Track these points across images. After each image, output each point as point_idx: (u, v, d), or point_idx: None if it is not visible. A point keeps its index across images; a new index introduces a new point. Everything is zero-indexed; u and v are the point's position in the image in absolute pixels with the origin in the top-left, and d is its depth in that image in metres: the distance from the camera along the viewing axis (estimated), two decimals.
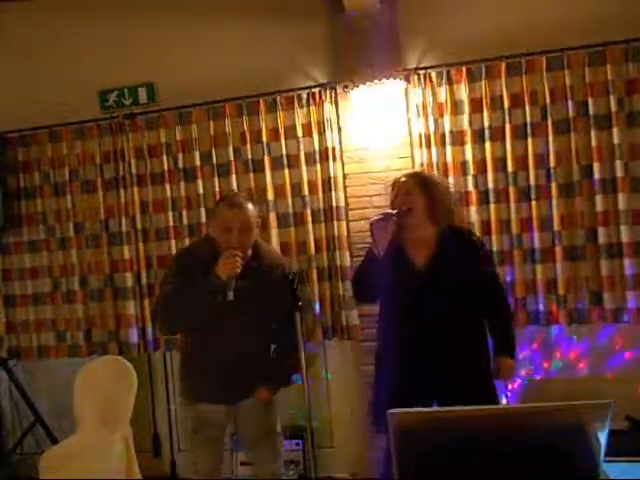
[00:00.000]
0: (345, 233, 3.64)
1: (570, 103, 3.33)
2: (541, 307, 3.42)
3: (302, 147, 3.67)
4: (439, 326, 2.52)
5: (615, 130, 3.27)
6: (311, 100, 3.65)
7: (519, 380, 3.57)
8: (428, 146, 3.50)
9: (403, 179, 2.73)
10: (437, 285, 2.55)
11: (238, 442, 2.90)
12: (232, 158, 3.77)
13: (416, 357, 2.53)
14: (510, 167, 3.41)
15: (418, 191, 2.65)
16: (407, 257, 2.63)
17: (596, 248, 3.34)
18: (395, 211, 2.61)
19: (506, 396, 3.44)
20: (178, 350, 3.10)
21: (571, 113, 3.33)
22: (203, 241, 2.84)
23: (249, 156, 3.75)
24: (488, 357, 2.67)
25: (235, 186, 3.74)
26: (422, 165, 3.48)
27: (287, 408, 3.18)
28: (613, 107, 3.27)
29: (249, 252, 2.66)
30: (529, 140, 3.38)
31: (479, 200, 3.46)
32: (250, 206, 2.64)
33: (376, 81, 3.50)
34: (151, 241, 3.92)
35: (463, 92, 3.46)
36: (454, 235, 2.67)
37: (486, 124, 3.43)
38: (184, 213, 3.85)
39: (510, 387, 3.52)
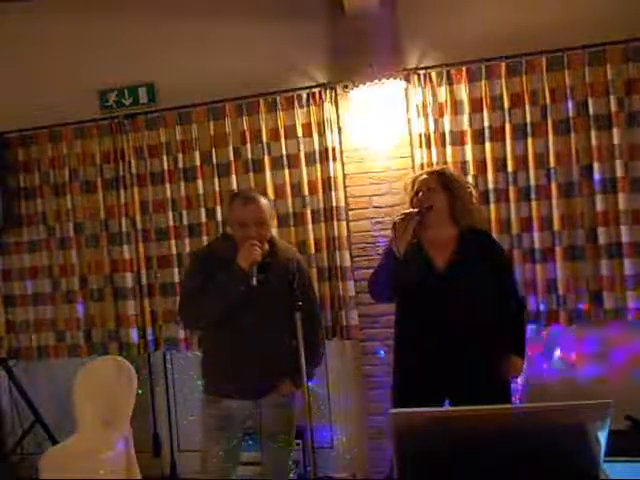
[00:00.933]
0: (345, 233, 3.64)
1: (570, 103, 3.33)
2: (541, 307, 3.42)
3: (302, 147, 3.67)
4: (456, 327, 2.51)
5: (615, 130, 3.27)
6: (311, 100, 3.65)
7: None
8: (428, 146, 3.50)
9: (424, 176, 2.72)
10: (456, 287, 2.54)
11: (254, 437, 2.88)
12: (232, 158, 3.77)
13: (433, 356, 2.53)
14: (510, 167, 3.41)
15: (440, 189, 2.65)
16: (427, 257, 2.62)
17: (596, 248, 3.34)
18: (417, 210, 2.60)
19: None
20: (199, 348, 3.07)
21: (571, 113, 3.33)
22: (221, 240, 2.85)
23: (249, 156, 3.75)
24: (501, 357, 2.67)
25: (235, 186, 3.74)
26: (421, 163, 3.48)
27: None
28: (613, 107, 3.27)
29: (266, 247, 2.67)
30: (529, 140, 3.38)
31: (479, 200, 3.45)
32: (264, 200, 2.69)
33: (376, 81, 3.50)
34: (151, 241, 3.92)
35: (463, 92, 3.46)
36: (474, 237, 2.67)
37: (486, 124, 3.43)
38: (184, 213, 3.85)
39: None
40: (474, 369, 2.53)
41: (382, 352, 3.57)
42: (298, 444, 3.63)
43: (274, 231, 3.66)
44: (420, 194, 2.66)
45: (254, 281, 2.51)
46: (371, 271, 2.85)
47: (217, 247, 2.79)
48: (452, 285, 2.55)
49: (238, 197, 2.72)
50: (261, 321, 2.59)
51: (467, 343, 2.51)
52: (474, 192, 2.88)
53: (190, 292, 2.67)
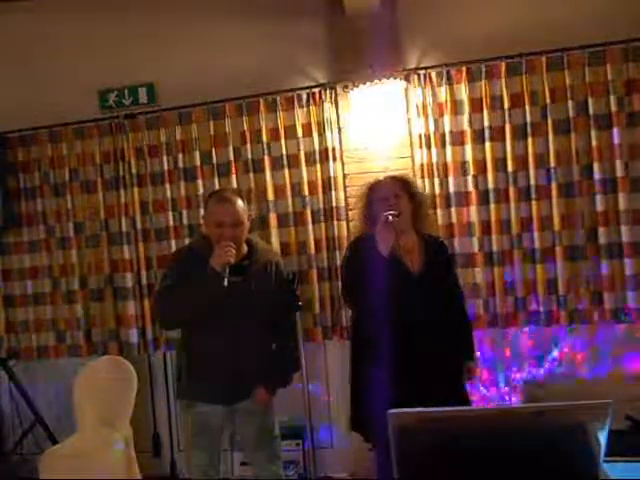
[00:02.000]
0: (345, 233, 3.64)
1: (570, 103, 3.33)
2: (541, 307, 3.42)
3: (302, 147, 3.67)
4: (424, 330, 2.55)
5: (615, 130, 3.27)
6: (311, 100, 3.65)
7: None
8: (428, 146, 3.50)
9: (388, 182, 2.73)
10: (429, 291, 2.60)
11: (237, 443, 2.88)
12: (232, 158, 3.76)
13: (406, 360, 2.54)
14: (510, 167, 3.41)
15: (405, 195, 2.68)
16: (402, 263, 2.64)
17: (596, 248, 3.34)
18: (397, 213, 2.60)
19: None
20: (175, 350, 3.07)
21: (571, 113, 3.33)
22: (201, 240, 2.84)
23: (249, 156, 3.75)
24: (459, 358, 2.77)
25: (235, 186, 3.74)
26: (428, 165, 3.48)
27: (287, 408, 3.17)
28: (613, 107, 3.28)
29: (244, 249, 2.66)
30: (529, 140, 3.38)
31: (479, 200, 3.46)
32: (239, 201, 2.66)
33: (376, 81, 3.50)
34: (151, 241, 3.92)
35: (463, 92, 3.46)
36: (431, 243, 2.74)
37: (486, 124, 3.43)
38: (184, 213, 3.85)
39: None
40: (441, 370, 2.58)
41: None
42: (298, 444, 3.64)
43: (274, 232, 3.68)
44: (388, 200, 2.64)
45: (225, 282, 2.47)
46: None
47: (196, 247, 2.77)
48: (426, 290, 2.60)
49: (214, 197, 2.70)
50: (237, 324, 2.57)
51: (435, 345, 2.56)
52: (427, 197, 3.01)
53: (163, 290, 2.66)
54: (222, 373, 2.60)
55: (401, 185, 2.70)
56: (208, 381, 2.63)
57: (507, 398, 3.58)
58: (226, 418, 2.72)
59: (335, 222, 3.63)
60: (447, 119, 3.48)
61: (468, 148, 3.46)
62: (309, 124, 3.66)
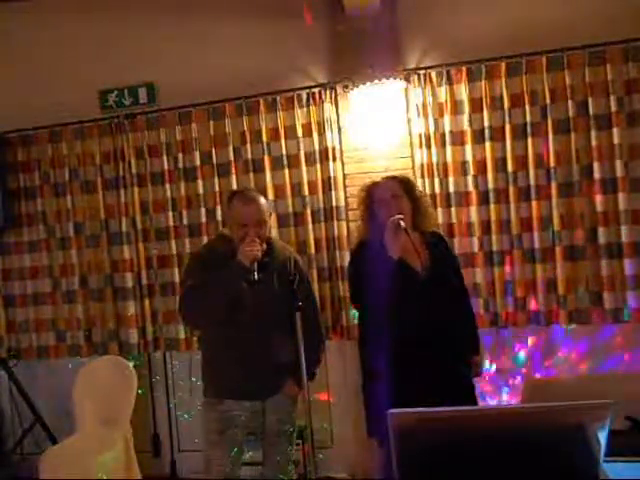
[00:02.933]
0: (345, 233, 3.64)
1: (570, 103, 3.33)
2: (541, 307, 3.42)
3: (302, 147, 3.67)
4: (435, 328, 2.54)
5: (615, 130, 3.27)
6: (311, 100, 3.65)
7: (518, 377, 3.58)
8: (428, 146, 3.50)
9: (387, 182, 2.72)
10: (435, 290, 2.58)
11: (256, 439, 2.87)
12: (232, 158, 3.77)
13: (412, 358, 2.53)
14: (510, 167, 3.41)
15: (404, 195, 2.67)
16: (406, 263, 2.62)
17: (596, 248, 3.34)
18: (402, 216, 2.59)
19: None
20: (199, 349, 3.06)
21: (571, 113, 3.33)
22: (219, 239, 2.85)
23: (249, 156, 3.75)
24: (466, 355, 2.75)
25: (235, 186, 3.73)
26: (428, 165, 3.48)
27: None
28: (613, 107, 3.28)
29: (264, 246, 2.68)
30: (529, 140, 3.38)
31: (479, 200, 3.46)
32: (263, 200, 2.70)
33: (376, 81, 3.50)
34: (151, 241, 3.92)
35: (463, 92, 3.46)
36: (434, 240, 2.73)
37: (486, 124, 3.43)
38: (184, 213, 3.85)
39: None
40: (451, 370, 2.57)
41: None
42: (298, 444, 3.64)
43: (274, 231, 3.68)
44: (387, 202, 2.64)
45: (255, 276, 2.51)
46: None
47: (216, 246, 2.78)
48: (433, 289, 2.58)
49: (237, 197, 2.71)
50: (261, 321, 2.58)
51: (443, 343, 2.55)
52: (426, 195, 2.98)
53: (190, 290, 2.65)
54: (249, 369, 2.60)
55: (399, 185, 2.69)
56: (235, 378, 2.63)
57: (507, 398, 3.58)
58: (253, 414, 2.71)
59: (335, 222, 3.63)
60: (447, 119, 3.48)
61: (468, 148, 3.46)
62: (309, 124, 3.66)
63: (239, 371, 2.62)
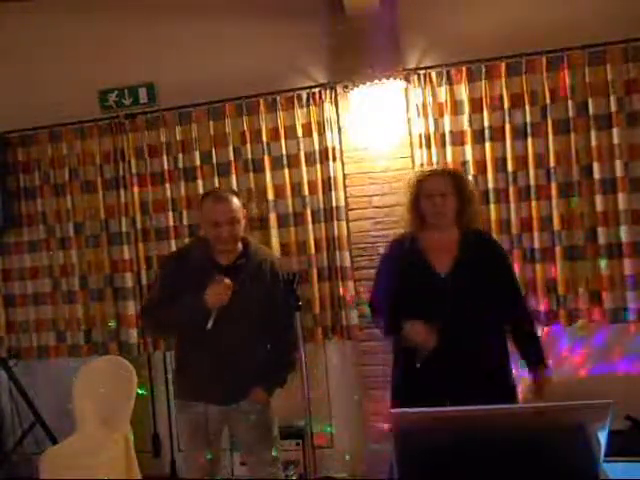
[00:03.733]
0: (345, 233, 3.64)
1: (570, 103, 3.33)
2: (541, 307, 3.42)
3: (302, 147, 3.67)
4: (459, 331, 2.45)
5: (615, 130, 3.27)
6: (311, 100, 3.65)
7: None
8: (428, 146, 3.50)
9: (437, 178, 2.58)
10: (459, 290, 2.48)
11: (236, 443, 2.88)
12: (232, 158, 3.76)
13: (435, 359, 2.47)
14: (510, 167, 3.41)
15: (454, 193, 2.54)
16: (428, 262, 2.55)
17: (596, 248, 3.34)
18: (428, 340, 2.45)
19: None
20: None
21: (571, 113, 3.33)
22: (195, 241, 2.84)
23: (249, 156, 3.75)
24: (508, 361, 2.62)
25: (235, 186, 3.74)
26: (421, 163, 3.48)
27: (287, 408, 3.17)
28: (613, 107, 3.27)
29: (239, 248, 2.67)
30: (529, 140, 3.38)
31: (479, 200, 3.45)
32: (235, 199, 2.65)
33: (376, 81, 3.50)
34: (151, 241, 3.92)
35: (463, 92, 3.46)
36: (476, 239, 2.60)
37: (486, 124, 3.43)
38: (184, 213, 3.85)
39: None
40: (476, 373, 2.46)
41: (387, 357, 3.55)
42: (298, 444, 3.64)
43: (274, 232, 3.68)
44: (434, 199, 2.53)
45: (210, 325, 2.48)
46: (371, 271, 2.82)
47: (190, 250, 2.77)
48: (454, 289, 2.49)
49: (209, 197, 2.68)
50: (232, 325, 2.55)
51: (469, 346, 2.46)
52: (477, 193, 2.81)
53: (148, 305, 2.72)
54: (217, 373, 2.58)
55: (449, 182, 2.56)
56: (203, 381, 2.61)
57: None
58: (223, 419, 2.71)
59: (335, 222, 3.63)
60: (447, 119, 3.48)
61: (468, 148, 3.46)
62: (309, 124, 3.66)
63: (207, 375, 2.60)
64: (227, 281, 2.50)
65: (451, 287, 2.50)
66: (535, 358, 2.62)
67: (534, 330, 2.71)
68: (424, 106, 3.50)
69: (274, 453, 2.77)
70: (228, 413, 2.69)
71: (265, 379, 2.68)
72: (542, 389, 2.60)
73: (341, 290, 3.63)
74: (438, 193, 2.53)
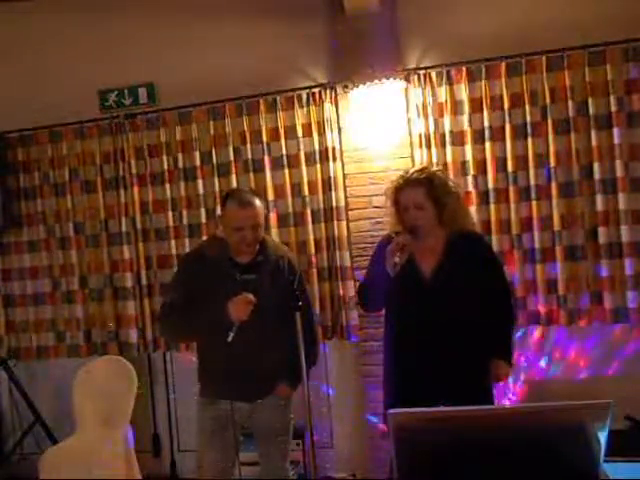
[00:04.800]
0: (345, 233, 3.64)
1: (570, 103, 3.33)
2: (541, 307, 3.42)
3: (302, 147, 3.67)
4: (442, 331, 2.50)
5: (615, 130, 3.27)
6: (311, 100, 3.65)
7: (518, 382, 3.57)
8: (428, 146, 3.50)
9: (411, 190, 2.56)
10: (444, 295, 2.52)
11: (240, 442, 2.87)
12: (232, 158, 3.77)
13: (422, 364, 2.52)
14: (510, 167, 3.41)
15: (429, 203, 2.54)
16: (415, 266, 2.58)
17: (596, 248, 3.34)
18: (409, 232, 2.51)
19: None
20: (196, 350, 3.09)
21: (571, 113, 3.33)
22: (212, 241, 2.83)
23: (249, 156, 3.75)
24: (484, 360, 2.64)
25: (235, 186, 3.74)
26: (422, 163, 3.48)
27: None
28: (613, 107, 3.27)
29: (256, 247, 2.68)
30: (529, 140, 3.38)
31: (479, 200, 3.46)
32: (259, 202, 2.65)
33: (376, 81, 3.50)
34: (151, 241, 3.92)
35: (463, 92, 3.46)
36: (462, 241, 2.60)
37: (486, 124, 3.43)
38: (184, 213, 3.85)
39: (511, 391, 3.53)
40: (461, 375, 2.50)
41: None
42: (298, 444, 3.64)
43: (274, 231, 3.68)
44: (409, 213, 2.55)
45: (231, 337, 2.46)
46: None
47: (208, 249, 2.75)
48: (440, 293, 2.53)
49: (233, 199, 2.64)
50: (253, 322, 2.55)
51: (452, 347, 2.50)
52: (459, 191, 2.76)
53: (167, 309, 2.68)
54: (242, 370, 2.59)
55: (423, 192, 2.54)
56: (229, 379, 2.61)
57: (507, 398, 3.57)
58: (247, 415, 2.72)
59: (335, 222, 3.63)
60: (447, 119, 3.48)
61: (468, 148, 3.46)
62: (309, 124, 3.66)
63: (232, 372, 2.60)
64: (250, 296, 2.49)
65: (436, 291, 2.53)
66: (499, 354, 2.64)
67: (509, 328, 2.71)
68: (424, 106, 3.50)
69: (286, 449, 2.82)
70: (253, 409, 2.71)
71: (289, 374, 2.68)
72: (494, 378, 2.65)
73: (341, 290, 3.63)
74: (413, 206, 2.54)
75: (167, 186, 3.86)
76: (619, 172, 3.28)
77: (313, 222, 3.68)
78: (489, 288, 2.60)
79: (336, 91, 3.63)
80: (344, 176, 3.66)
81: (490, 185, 3.44)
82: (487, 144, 3.43)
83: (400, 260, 2.47)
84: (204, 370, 2.79)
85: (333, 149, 3.62)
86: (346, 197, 3.66)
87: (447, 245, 2.59)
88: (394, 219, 2.67)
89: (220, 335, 2.48)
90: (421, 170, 2.65)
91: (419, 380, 2.51)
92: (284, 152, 3.69)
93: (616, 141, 3.27)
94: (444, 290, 2.53)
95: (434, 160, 3.48)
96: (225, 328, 2.47)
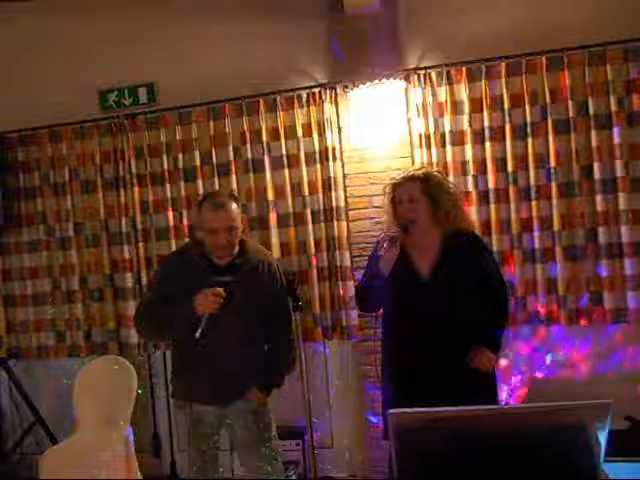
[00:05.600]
0: (345, 233, 3.64)
1: (570, 103, 3.33)
2: (541, 307, 3.42)
3: (302, 147, 3.67)
4: (441, 330, 2.51)
5: (615, 130, 3.27)
6: (311, 100, 3.65)
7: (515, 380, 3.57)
8: (428, 146, 3.49)
9: (406, 183, 2.63)
10: (440, 291, 2.54)
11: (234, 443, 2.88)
12: (232, 158, 3.77)
13: (419, 363, 2.53)
14: (510, 167, 3.41)
15: (423, 198, 2.59)
16: (411, 265, 2.61)
17: (596, 248, 3.34)
18: (398, 230, 2.56)
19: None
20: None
21: (571, 113, 3.33)
22: (192, 243, 2.84)
23: (249, 156, 3.75)
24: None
25: (235, 186, 3.74)
26: (422, 164, 3.48)
27: (287, 408, 3.17)
28: (613, 107, 3.27)
29: (235, 249, 2.67)
30: (529, 140, 3.38)
31: (479, 200, 3.46)
32: (234, 205, 2.62)
33: (376, 81, 3.50)
34: (151, 241, 3.92)
35: (463, 92, 3.46)
36: (457, 239, 2.62)
37: (486, 124, 3.43)
38: (184, 213, 3.85)
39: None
40: (458, 371, 2.51)
41: None
42: (298, 444, 3.64)
43: (274, 232, 3.68)
44: (403, 205, 2.60)
45: (198, 333, 2.44)
46: None
47: (187, 252, 2.75)
48: (436, 289, 2.55)
49: (207, 202, 2.63)
50: (229, 324, 2.54)
51: (452, 346, 2.52)
52: (457, 193, 2.79)
53: (144, 306, 2.70)
54: (214, 373, 2.59)
55: (418, 186, 2.60)
56: (200, 381, 2.62)
57: (507, 398, 3.57)
58: (218, 419, 2.72)
59: (335, 222, 3.63)
60: (447, 119, 3.48)
61: (468, 148, 3.46)
62: (309, 124, 3.66)
63: (204, 375, 2.61)
64: (219, 290, 2.46)
65: (433, 290, 2.55)
66: (485, 341, 2.60)
67: (500, 320, 2.71)
68: (424, 106, 3.49)
69: (271, 452, 2.75)
70: (224, 413, 2.70)
71: (262, 379, 2.68)
72: (474, 364, 2.59)
73: (341, 290, 3.63)
74: (407, 199, 2.60)
75: (167, 186, 3.86)
76: (619, 172, 3.28)
77: (313, 222, 3.67)
78: (485, 286, 2.62)
79: (336, 91, 3.63)
80: (344, 176, 3.66)
81: (490, 185, 3.44)
82: (487, 144, 3.43)
83: (389, 254, 2.49)
84: (176, 371, 2.78)
85: (333, 149, 3.62)
86: (346, 197, 3.66)
87: (443, 244, 2.61)
88: (390, 216, 2.69)
89: (190, 332, 2.45)
90: (419, 169, 2.73)
91: (417, 379, 2.53)
92: (284, 152, 3.69)
93: (616, 141, 3.27)
94: (441, 288, 2.55)
95: (434, 160, 3.48)
96: (193, 323, 2.44)
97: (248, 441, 2.73)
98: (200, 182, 3.81)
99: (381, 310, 2.81)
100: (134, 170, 3.91)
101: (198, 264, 2.62)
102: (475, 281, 2.59)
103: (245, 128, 3.74)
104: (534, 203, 3.39)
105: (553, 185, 3.36)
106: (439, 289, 2.55)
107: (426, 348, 2.53)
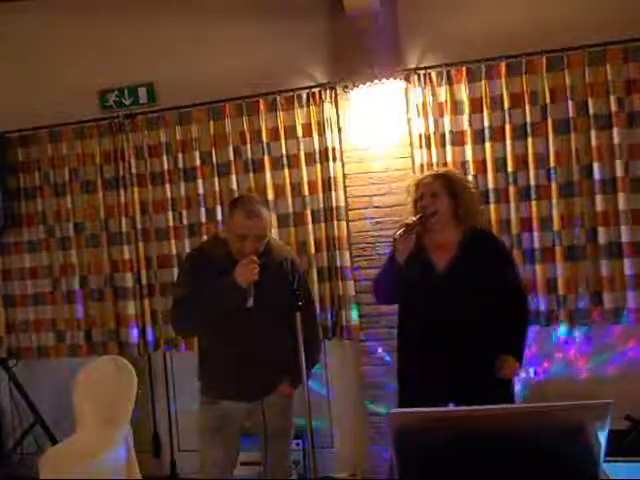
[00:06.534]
0: (345, 233, 3.64)
1: (570, 103, 3.33)
2: (541, 307, 3.42)
3: (302, 147, 3.67)
4: (457, 329, 2.51)
5: (615, 130, 3.27)
6: (311, 100, 3.65)
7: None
8: (428, 146, 3.50)
9: (429, 180, 2.70)
10: (457, 288, 2.55)
11: (249, 439, 2.88)
12: (232, 158, 3.77)
13: (436, 358, 2.54)
14: (510, 167, 3.41)
15: (444, 194, 2.64)
16: (429, 260, 2.63)
17: (596, 248, 3.34)
18: (417, 217, 2.58)
19: None
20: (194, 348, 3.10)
21: (571, 113, 3.33)
22: (214, 241, 2.83)
23: (249, 156, 3.75)
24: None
25: (235, 186, 3.74)
26: (421, 164, 3.48)
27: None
28: (613, 107, 3.27)
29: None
30: (529, 140, 3.38)
31: (480, 200, 3.46)
32: (266, 212, 2.64)
33: (376, 81, 3.50)
34: (151, 241, 3.92)
35: (463, 92, 3.46)
36: (477, 238, 2.66)
37: (486, 124, 3.43)
38: (184, 213, 3.85)
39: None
40: (476, 370, 2.52)
41: (387, 357, 3.55)
42: (298, 444, 3.64)
43: (274, 231, 3.68)
44: (424, 199, 2.65)
45: (250, 302, 2.45)
46: (371, 271, 2.86)
47: (210, 249, 2.74)
48: (453, 286, 2.56)
49: (240, 208, 2.60)
50: (257, 321, 2.55)
51: (468, 344, 2.51)
52: (477, 194, 2.87)
53: (181, 302, 2.64)
54: (245, 369, 2.60)
55: (441, 183, 2.66)
56: (231, 378, 2.62)
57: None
58: (249, 414, 2.72)
59: (335, 222, 3.63)
60: (447, 119, 3.48)
61: (468, 148, 3.46)
62: (309, 124, 3.66)
63: (235, 372, 2.61)
64: (252, 257, 2.48)
65: (449, 284, 2.57)
66: (508, 349, 2.60)
67: (521, 325, 2.70)
68: (424, 106, 3.50)
69: (288, 448, 2.84)
70: (254, 408, 2.70)
71: (291, 374, 2.68)
72: (500, 372, 2.60)
73: (341, 290, 3.63)
74: (429, 194, 2.65)
75: (167, 186, 3.86)
76: (619, 172, 3.28)
77: (313, 222, 3.67)
78: (503, 285, 2.63)
79: (336, 91, 3.63)
80: (344, 176, 3.66)
81: (490, 185, 3.44)
82: (487, 144, 3.43)
83: (405, 242, 2.51)
84: (205, 369, 2.78)
85: (333, 149, 3.62)
86: (346, 197, 3.66)
87: (462, 241, 2.64)
88: (412, 213, 2.71)
89: (237, 311, 2.47)
90: (442, 167, 2.85)
91: (430, 377, 2.53)
92: (284, 152, 3.69)
93: (616, 141, 3.27)
94: (457, 283, 2.56)
95: (434, 160, 3.48)
96: (241, 295, 2.45)
97: (271, 435, 2.72)
98: (200, 182, 3.81)
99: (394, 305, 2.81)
100: (134, 170, 3.91)
101: (222, 264, 2.57)
102: (492, 280, 2.59)
103: (245, 128, 3.74)
104: (534, 203, 3.39)
105: (553, 185, 3.36)
106: (453, 284, 2.57)
107: (440, 345, 2.53)
